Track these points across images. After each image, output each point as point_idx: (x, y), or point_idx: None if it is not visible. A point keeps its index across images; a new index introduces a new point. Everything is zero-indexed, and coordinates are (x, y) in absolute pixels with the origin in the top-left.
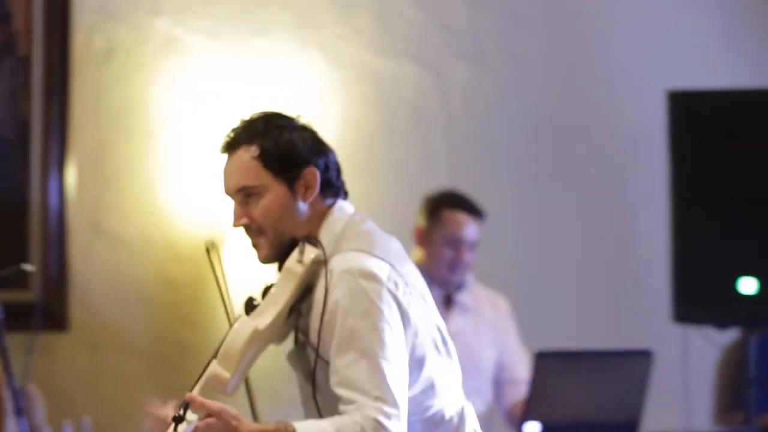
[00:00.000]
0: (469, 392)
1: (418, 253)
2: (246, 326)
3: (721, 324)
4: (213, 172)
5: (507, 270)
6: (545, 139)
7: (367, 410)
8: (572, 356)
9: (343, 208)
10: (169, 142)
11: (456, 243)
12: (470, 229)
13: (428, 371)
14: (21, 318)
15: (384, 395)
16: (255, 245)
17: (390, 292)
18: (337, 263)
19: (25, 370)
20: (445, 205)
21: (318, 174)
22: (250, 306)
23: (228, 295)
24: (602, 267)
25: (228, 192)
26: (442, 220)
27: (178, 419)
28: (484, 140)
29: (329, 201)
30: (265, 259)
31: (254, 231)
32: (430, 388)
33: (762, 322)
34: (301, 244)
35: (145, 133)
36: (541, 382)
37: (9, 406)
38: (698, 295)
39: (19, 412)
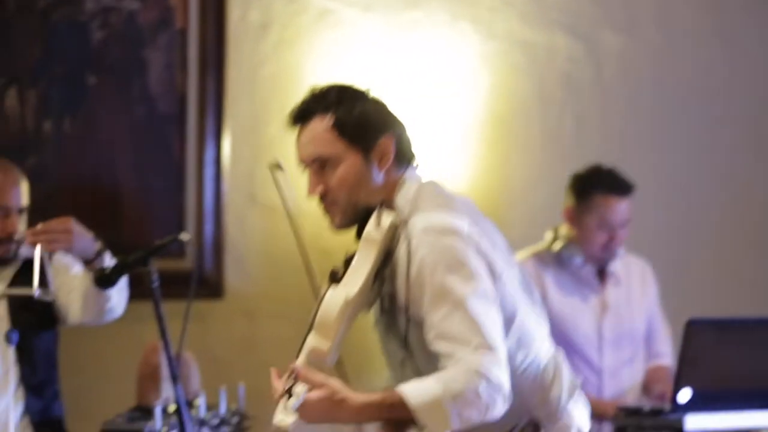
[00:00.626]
0: (625, 362)
1: (569, 230)
2: (337, 296)
3: None
4: None
5: (656, 238)
6: (696, 108)
7: (468, 360)
8: (724, 323)
9: (415, 175)
10: None
11: (609, 226)
12: (622, 209)
13: (520, 321)
14: (178, 286)
15: (482, 342)
16: (329, 213)
17: (473, 244)
18: (416, 224)
19: (182, 337)
20: (595, 188)
21: (393, 143)
22: (334, 277)
23: (293, 217)
24: (751, 235)
25: (303, 161)
26: (593, 203)
27: (287, 392)
28: (637, 109)
29: (402, 170)
30: (339, 227)
31: (329, 199)
32: (523, 337)
33: None
34: (378, 210)
35: None
36: (692, 350)
37: (165, 372)
38: None
39: (175, 378)
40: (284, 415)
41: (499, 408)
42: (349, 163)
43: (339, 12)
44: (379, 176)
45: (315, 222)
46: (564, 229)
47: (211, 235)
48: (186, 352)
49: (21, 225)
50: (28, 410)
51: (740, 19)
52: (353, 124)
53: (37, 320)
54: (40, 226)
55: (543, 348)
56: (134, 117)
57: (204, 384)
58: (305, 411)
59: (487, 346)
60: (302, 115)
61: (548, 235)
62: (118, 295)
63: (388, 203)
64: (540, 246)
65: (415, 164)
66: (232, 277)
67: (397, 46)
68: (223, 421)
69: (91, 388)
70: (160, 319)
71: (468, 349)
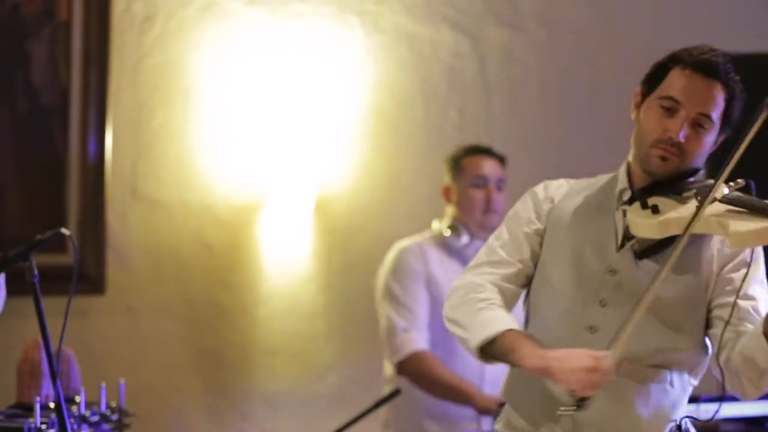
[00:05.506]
0: None
1: (450, 210)
2: None
3: None
4: (249, 136)
5: None
6: (581, 104)
7: None
8: None
9: None
10: (207, 107)
11: (482, 181)
12: (491, 165)
13: None
14: (58, 281)
15: None
16: (664, 158)
17: None
18: None
19: (62, 333)
20: (463, 154)
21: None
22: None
23: None
24: None
25: (689, 105)
26: (463, 167)
27: None
28: (520, 104)
29: None
30: (667, 172)
31: (677, 149)
32: None
33: None
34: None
35: (183, 99)
36: None
37: (45, 368)
38: None
39: (55, 375)
40: None
41: None
42: (713, 138)
43: (223, 4)
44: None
45: (198, 217)
46: (448, 211)
47: (93, 230)
48: (66, 348)
49: None
50: None
51: (622, 11)
52: (736, 109)
53: None
54: None
55: None
56: (16, 109)
57: (84, 380)
58: None
59: None
60: (715, 72)
61: (434, 225)
62: None
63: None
64: (427, 234)
65: None
66: (113, 272)
67: (282, 39)
68: (104, 418)
69: None
70: (40, 314)
71: None
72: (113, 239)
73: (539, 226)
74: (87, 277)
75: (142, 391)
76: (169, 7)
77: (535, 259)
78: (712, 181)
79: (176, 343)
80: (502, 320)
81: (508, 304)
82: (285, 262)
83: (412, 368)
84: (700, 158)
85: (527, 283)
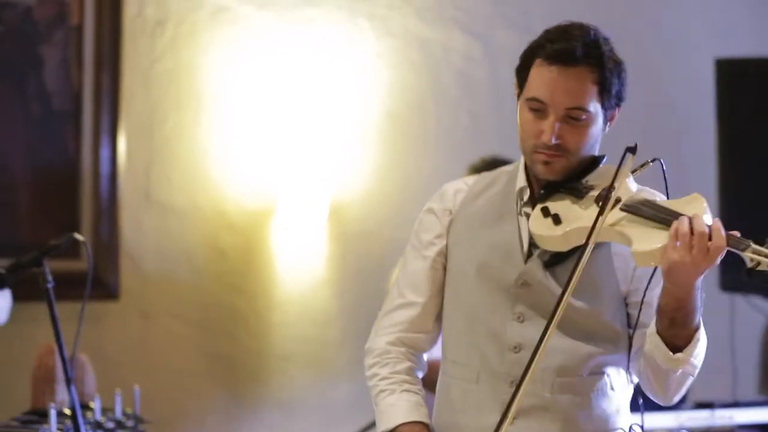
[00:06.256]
0: None
1: None
2: None
3: None
4: (262, 140)
5: None
6: None
7: None
8: None
9: None
10: (218, 112)
11: None
12: None
13: None
14: (72, 287)
15: None
16: (547, 162)
17: None
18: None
19: (76, 338)
20: (484, 167)
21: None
22: None
23: None
24: None
25: (554, 104)
26: None
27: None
28: None
29: None
30: (554, 177)
31: (558, 150)
32: None
33: None
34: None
35: (195, 103)
36: None
37: (60, 374)
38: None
39: (70, 381)
40: None
41: None
42: (596, 124)
43: (235, 8)
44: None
45: (211, 221)
46: None
47: (107, 235)
48: (81, 353)
49: None
50: None
51: (630, 14)
52: (614, 87)
53: None
54: None
55: None
56: (29, 114)
57: (99, 386)
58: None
59: None
60: (572, 58)
61: None
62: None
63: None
64: None
65: None
66: (127, 277)
67: (294, 43)
68: (119, 424)
69: None
70: (54, 320)
71: None
72: (127, 244)
73: (441, 245)
74: (101, 282)
75: (156, 397)
76: (181, 12)
77: (442, 285)
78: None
79: (190, 348)
80: (398, 411)
81: (424, 350)
82: (298, 267)
83: (430, 378)
84: (591, 147)
85: (438, 312)
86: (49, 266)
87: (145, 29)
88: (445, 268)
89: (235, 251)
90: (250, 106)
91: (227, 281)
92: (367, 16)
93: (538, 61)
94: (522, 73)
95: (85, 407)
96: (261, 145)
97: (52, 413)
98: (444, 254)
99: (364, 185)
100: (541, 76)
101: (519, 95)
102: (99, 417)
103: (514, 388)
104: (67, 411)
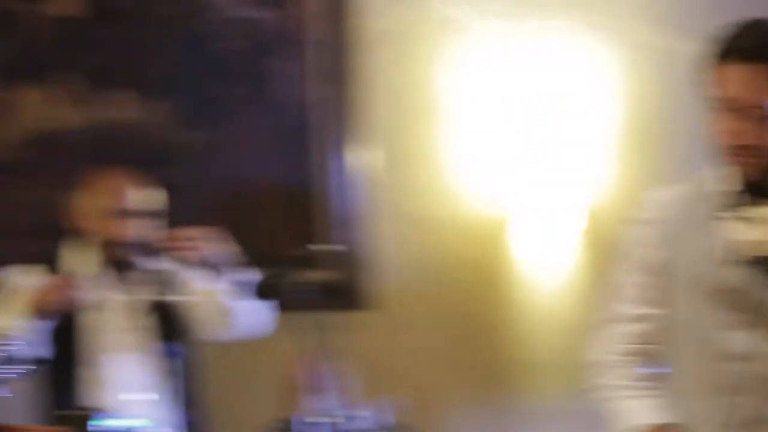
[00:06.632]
0: None
1: None
2: None
3: None
4: (495, 150)
5: None
6: None
7: None
8: None
9: None
10: (453, 122)
11: None
12: None
13: None
14: (324, 297)
15: None
16: (742, 163)
17: None
18: None
19: (331, 349)
20: None
21: None
22: None
23: None
24: None
25: (739, 103)
26: None
27: None
28: None
29: None
30: (749, 178)
31: (751, 151)
32: None
33: None
34: None
35: (429, 114)
36: None
37: (313, 384)
38: None
39: (325, 389)
40: None
41: None
42: None
43: (462, 19)
44: None
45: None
46: None
47: (363, 247)
48: (334, 363)
49: (147, 230)
50: (175, 423)
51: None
52: None
53: (178, 331)
54: (174, 234)
55: None
56: (269, 127)
57: (355, 396)
58: None
59: None
60: (754, 54)
61: None
62: (249, 313)
63: None
64: None
65: None
66: (379, 288)
67: (523, 55)
68: None
69: (241, 399)
70: (317, 330)
71: None
72: (377, 255)
73: (660, 255)
74: (351, 292)
75: (410, 408)
76: (408, 24)
77: (665, 295)
78: None
79: (442, 358)
80: (649, 411)
81: (654, 361)
82: (542, 275)
83: None
84: None
85: (666, 324)
86: (304, 277)
87: (372, 41)
88: (663, 278)
89: (474, 262)
90: (481, 116)
91: (468, 292)
92: (599, 26)
93: (725, 60)
94: (711, 72)
95: (349, 416)
96: (497, 155)
97: (309, 423)
98: (662, 264)
99: (612, 195)
100: (731, 73)
101: (706, 96)
102: (367, 426)
103: (737, 399)
104: (323, 420)
